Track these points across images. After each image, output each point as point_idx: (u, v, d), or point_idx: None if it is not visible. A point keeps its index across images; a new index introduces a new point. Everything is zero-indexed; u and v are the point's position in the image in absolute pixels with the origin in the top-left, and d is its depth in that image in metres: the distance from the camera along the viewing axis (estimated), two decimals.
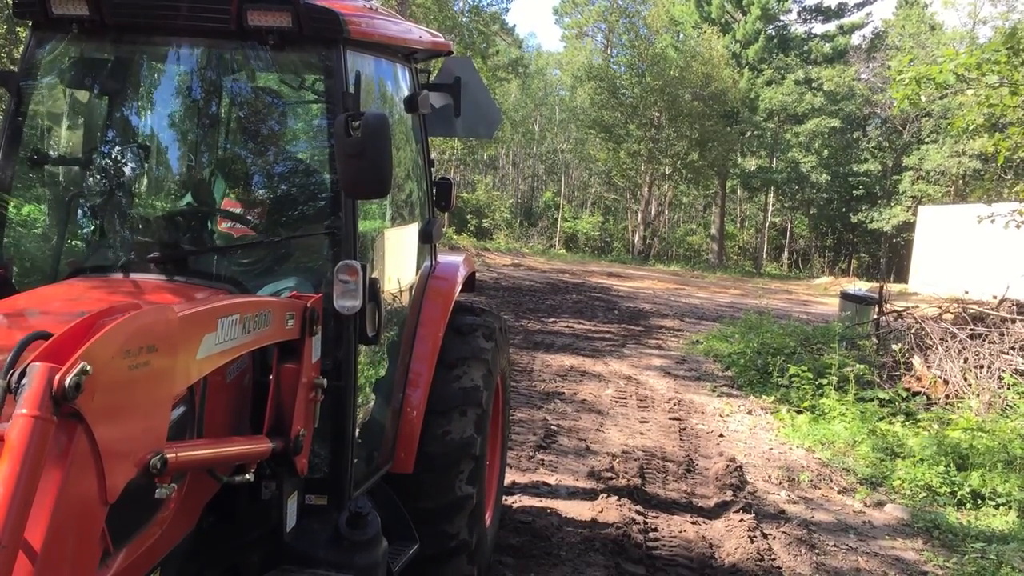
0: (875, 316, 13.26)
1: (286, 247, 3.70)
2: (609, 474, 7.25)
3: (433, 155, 4.84)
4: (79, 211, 3.80)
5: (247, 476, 2.94)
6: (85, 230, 3.79)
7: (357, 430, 3.73)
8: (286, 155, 4.00)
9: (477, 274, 5.41)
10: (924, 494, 7.70)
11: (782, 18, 47.78)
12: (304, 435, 3.24)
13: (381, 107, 4.01)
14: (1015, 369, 10.43)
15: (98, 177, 3.79)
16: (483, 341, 4.68)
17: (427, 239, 4.60)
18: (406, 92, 4.29)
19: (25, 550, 1.81)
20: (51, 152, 3.78)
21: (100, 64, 3.74)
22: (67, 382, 1.87)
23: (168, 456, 2.30)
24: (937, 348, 11.05)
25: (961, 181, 40.07)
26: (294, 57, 3.55)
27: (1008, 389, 10.06)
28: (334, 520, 3.46)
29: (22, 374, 1.88)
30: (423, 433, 4.23)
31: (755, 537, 6.12)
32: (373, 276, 3.58)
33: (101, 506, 2.07)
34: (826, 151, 44.10)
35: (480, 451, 4.38)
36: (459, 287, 4.80)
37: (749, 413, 10.40)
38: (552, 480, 7.15)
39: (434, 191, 4.75)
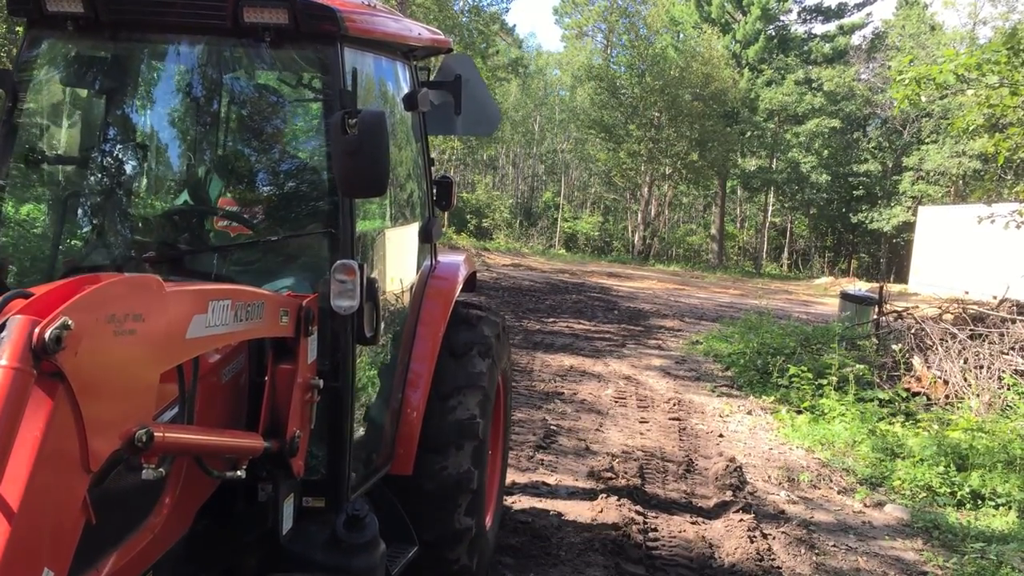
0: (875, 316, 13.26)
1: (283, 246, 3.68)
2: (609, 474, 7.25)
3: (432, 155, 4.82)
4: (76, 210, 3.79)
5: (238, 473, 2.91)
6: (82, 229, 3.78)
7: (355, 431, 3.70)
8: (283, 153, 3.98)
9: (476, 274, 5.41)
10: (924, 494, 7.70)
11: (782, 18, 47.78)
12: (300, 436, 3.22)
13: (380, 105, 3.99)
14: (1015, 369, 10.42)
15: (94, 176, 3.78)
16: (487, 328, 4.74)
17: (427, 238, 4.57)
18: (405, 90, 4.25)
19: (2, 507, 1.78)
20: (47, 151, 3.76)
21: (96, 62, 3.72)
22: (47, 335, 1.84)
23: (155, 433, 2.24)
24: (937, 348, 11.05)
25: (961, 181, 40.05)
26: (291, 54, 3.50)
27: (1008, 389, 10.06)
28: (332, 523, 3.44)
29: (1, 327, 1.86)
30: (425, 416, 4.24)
31: (755, 537, 6.11)
32: (372, 276, 3.55)
33: (83, 472, 2.03)
34: (826, 151, 44.09)
35: (483, 434, 4.40)
36: (459, 287, 4.77)
37: (749, 413, 10.39)
38: (552, 480, 7.14)
39: (434, 190, 4.73)
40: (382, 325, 3.70)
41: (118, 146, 3.82)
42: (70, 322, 1.90)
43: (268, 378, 3.17)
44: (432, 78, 4.75)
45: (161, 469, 2.44)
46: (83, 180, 3.81)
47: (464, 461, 4.30)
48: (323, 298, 3.36)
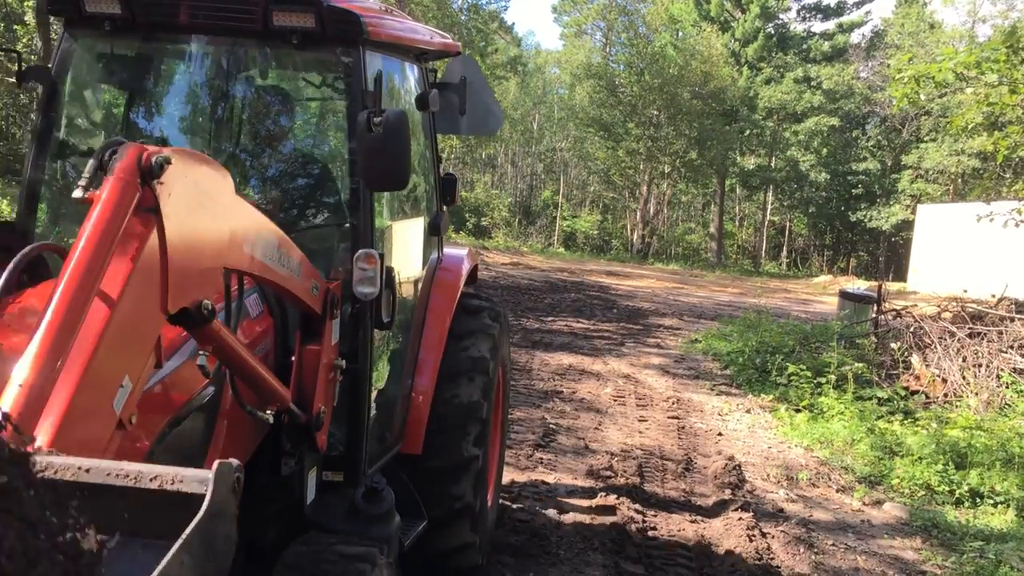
0: (874, 315, 13.26)
1: (306, 238, 3.82)
2: (608, 473, 7.25)
3: None
4: None
5: (268, 414, 3.13)
6: None
7: (371, 411, 3.91)
8: (307, 150, 4.21)
9: (478, 267, 5.57)
10: (922, 493, 7.70)
11: (781, 16, 47.69)
12: (324, 412, 3.44)
13: (395, 104, 4.17)
14: (1013, 368, 10.44)
15: None
16: (490, 315, 5.04)
17: (435, 232, 4.79)
18: (418, 91, 4.46)
19: (102, 298, 2.01)
20: (81, 145, 3.94)
21: (130, 61, 3.93)
22: (153, 159, 2.11)
23: (215, 313, 2.47)
24: (936, 347, 11.05)
25: (960, 180, 40.06)
26: (315, 56, 3.72)
27: (1006, 388, 10.07)
28: (350, 495, 3.66)
29: (113, 152, 2.13)
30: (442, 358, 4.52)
31: (754, 536, 6.12)
32: (388, 265, 3.74)
33: (160, 311, 2.23)
34: (825, 150, 44.06)
35: (491, 371, 4.65)
36: (464, 279, 4.97)
37: (748, 412, 10.40)
38: (551, 479, 7.14)
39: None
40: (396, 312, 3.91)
41: (148, 142, 3.93)
42: (172, 157, 2.15)
43: (296, 357, 3.40)
44: (438, 79, 4.93)
45: (210, 370, 2.73)
46: None
47: (475, 394, 4.56)
48: (344, 285, 3.55)
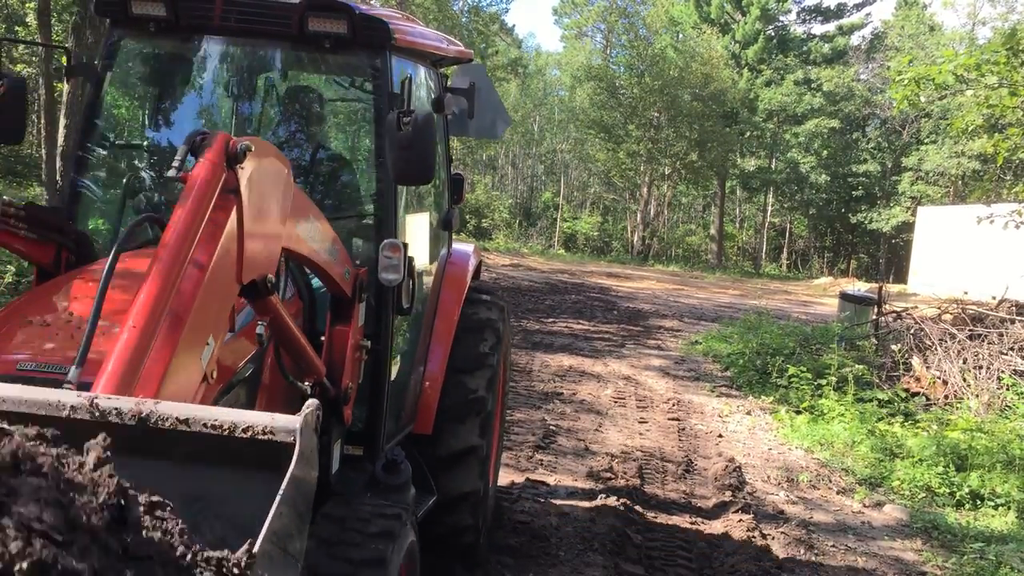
0: (874, 317, 13.27)
1: (335, 227, 3.98)
2: (608, 474, 7.25)
3: None
4: (137, 193, 4.17)
5: (305, 385, 3.37)
6: (141, 211, 4.10)
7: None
8: (335, 146, 4.50)
9: (482, 264, 5.77)
10: (923, 495, 7.71)
11: (781, 19, 47.72)
12: (351, 388, 3.71)
13: (416, 107, 4.33)
14: (1014, 370, 10.44)
15: (158, 162, 4.17)
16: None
17: (446, 227, 5.05)
18: (434, 94, 4.70)
19: (195, 264, 2.28)
20: (119, 139, 4.22)
21: (171, 60, 4.19)
22: (239, 146, 2.39)
23: (275, 285, 2.76)
24: (936, 349, 11.05)
25: (960, 182, 40.04)
26: (346, 60, 3.97)
27: (1007, 390, 10.07)
28: (369, 469, 3.93)
29: (203, 138, 2.41)
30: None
31: (754, 537, 6.12)
32: (409, 255, 3.95)
33: (236, 281, 2.49)
34: (825, 152, 44.05)
35: (500, 330, 5.07)
36: (471, 274, 5.21)
37: (748, 413, 10.40)
38: (551, 480, 7.14)
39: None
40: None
41: (182, 137, 4.08)
42: (252, 146, 2.44)
43: (326, 337, 3.67)
44: (448, 84, 5.13)
45: (265, 339, 2.99)
46: (146, 165, 4.22)
47: (490, 314, 4.99)
48: (370, 272, 3.78)
